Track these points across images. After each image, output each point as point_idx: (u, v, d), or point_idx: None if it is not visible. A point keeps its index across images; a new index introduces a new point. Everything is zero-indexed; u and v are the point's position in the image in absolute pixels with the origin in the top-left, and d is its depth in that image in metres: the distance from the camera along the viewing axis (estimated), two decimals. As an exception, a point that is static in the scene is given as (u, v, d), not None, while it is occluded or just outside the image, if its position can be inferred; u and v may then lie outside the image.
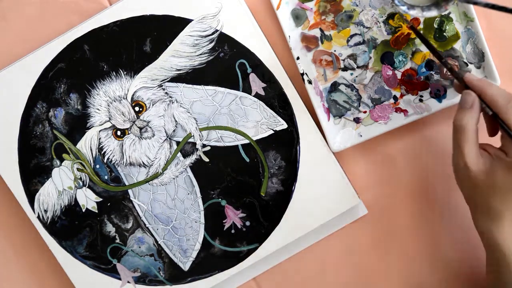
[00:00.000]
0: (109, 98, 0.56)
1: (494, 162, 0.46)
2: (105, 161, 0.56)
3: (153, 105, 0.56)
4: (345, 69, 0.56)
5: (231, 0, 0.55)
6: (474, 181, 0.46)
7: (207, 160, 0.56)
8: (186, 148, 0.56)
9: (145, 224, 0.57)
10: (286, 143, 0.56)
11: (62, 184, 0.56)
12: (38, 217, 0.56)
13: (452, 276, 0.57)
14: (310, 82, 0.55)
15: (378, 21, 0.55)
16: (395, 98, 0.55)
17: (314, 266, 0.58)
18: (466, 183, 0.48)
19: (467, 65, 0.55)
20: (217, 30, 0.55)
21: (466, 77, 0.48)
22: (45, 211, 0.57)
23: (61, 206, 0.57)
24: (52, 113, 0.56)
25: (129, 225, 0.57)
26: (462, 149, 0.46)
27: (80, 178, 0.57)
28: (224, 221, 0.57)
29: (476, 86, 0.48)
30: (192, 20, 0.55)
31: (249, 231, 0.56)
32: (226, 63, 0.55)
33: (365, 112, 0.56)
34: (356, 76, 0.56)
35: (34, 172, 0.56)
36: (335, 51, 0.55)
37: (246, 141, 0.56)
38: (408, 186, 0.57)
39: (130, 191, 0.57)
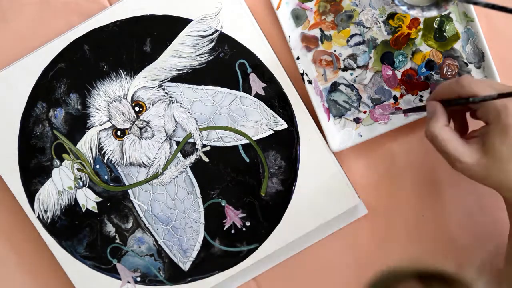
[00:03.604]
0: (109, 98, 0.56)
1: (485, 138, 0.46)
2: (105, 161, 0.56)
3: (153, 105, 0.56)
4: (345, 69, 0.56)
5: (231, 0, 0.55)
6: (481, 168, 0.46)
7: (207, 160, 0.56)
8: (186, 148, 0.56)
9: (145, 224, 0.57)
10: (286, 143, 0.56)
11: (62, 184, 0.56)
12: (38, 217, 0.56)
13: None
14: (310, 82, 0.55)
15: (378, 21, 0.55)
16: (395, 98, 0.55)
17: (314, 266, 0.58)
18: (477, 176, 0.47)
19: (467, 65, 0.55)
20: (217, 30, 0.55)
21: (428, 101, 0.50)
22: (45, 211, 0.57)
23: (61, 206, 0.57)
24: (52, 113, 0.56)
25: (129, 225, 0.57)
26: (448, 152, 0.46)
27: (80, 178, 0.57)
28: (224, 221, 0.57)
29: (438, 94, 0.49)
30: (192, 20, 0.55)
31: (249, 231, 0.56)
32: (226, 63, 0.55)
33: (365, 112, 0.56)
34: (356, 76, 0.56)
35: (34, 172, 0.56)
36: (335, 51, 0.55)
37: (246, 141, 0.56)
38: (408, 186, 0.57)
39: (130, 191, 0.57)
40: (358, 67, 0.55)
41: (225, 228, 0.57)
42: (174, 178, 0.57)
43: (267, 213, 0.56)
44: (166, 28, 0.55)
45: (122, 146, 0.56)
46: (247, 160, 0.56)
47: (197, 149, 0.56)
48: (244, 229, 0.57)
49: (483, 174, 0.46)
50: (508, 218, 0.49)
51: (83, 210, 0.57)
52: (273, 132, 0.56)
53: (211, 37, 0.55)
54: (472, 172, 0.46)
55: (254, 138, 0.56)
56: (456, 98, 0.47)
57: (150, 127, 0.56)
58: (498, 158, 0.45)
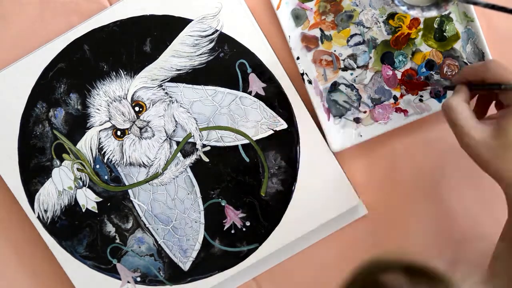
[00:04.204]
0: (109, 98, 0.56)
1: (501, 120, 0.45)
2: (105, 161, 0.56)
3: (153, 105, 0.56)
4: (345, 69, 0.56)
5: (231, 0, 0.55)
6: (488, 150, 0.44)
7: (207, 160, 0.56)
8: (186, 148, 0.56)
9: (145, 224, 0.57)
10: (286, 143, 0.56)
11: (62, 184, 0.56)
12: (38, 217, 0.56)
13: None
14: (310, 82, 0.55)
15: (378, 21, 0.55)
16: (395, 98, 0.55)
17: (314, 266, 0.58)
18: (481, 158, 0.45)
19: (467, 65, 0.55)
20: (217, 30, 0.55)
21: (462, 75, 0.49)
22: (45, 211, 0.57)
23: (61, 206, 0.57)
24: (52, 113, 0.56)
25: (129, 225, 0.57)
26: (460, 125, 0.45)
27: (80, 178, 0.57)
28: (224, 221, 0.57)
29: (463, 75, 0.49)
30: (192, 20, 0.55)
31: (249, 231, 0.56)
32: (226, 63, 0.55)
33: (365, 112, 0.56)
34: (356, 76, 0.56)
35: (34, 172, 0.56)
36: (335, 51, 0.55)
37: (246, 141, 0.56)
38: (408, 186, 0.57)
39: (130, 191, 0.57)
40: (358, 67, 0.55)
41: (225, 228, 0.57)
42: (174, 178, 0.56)
43: (267, 213, 0.56)
44: (166, 28, 0.55)
45: (122, 146, 0.56)
46: (247, 160, 0.56)
47: (197, 149, 0.56)
48: (244, 229, 0.57)
49: (487, 156, 0.45)
50: (508, 211, 0.48)
51: (83, 210, 0.57)
52: (273, 132, 0.56)
53: (211, 37, 0.55)
54: (477, 152, 0.45)
55: (254, 138, 0.56)
56: (481, 81, 0.47)
57: (150, 127, 0.56)
58: (508, 143, 0.44)
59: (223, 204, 0.56)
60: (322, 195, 0.56)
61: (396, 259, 0.38)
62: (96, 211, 0.57)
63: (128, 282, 0.57)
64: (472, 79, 0.48)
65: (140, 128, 0.56)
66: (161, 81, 0.56)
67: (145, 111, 0.56)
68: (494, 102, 0.51)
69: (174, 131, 0.56)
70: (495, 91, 0.47)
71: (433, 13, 0.49)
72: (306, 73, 0.55)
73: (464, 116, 0.45)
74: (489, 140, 0.44)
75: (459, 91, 0.48)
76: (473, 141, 0.45)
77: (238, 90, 0.56)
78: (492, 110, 0.51)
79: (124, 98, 0.56)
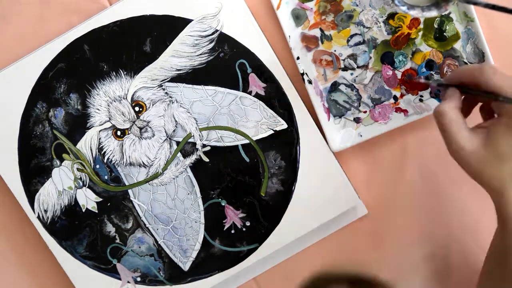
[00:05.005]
0: (109, 98, 0.56)
1: (491, 129, 0.44)
2: (105, 161, 0.56)
3: (153, 105, 0.56)
4: (345, 69, 0.56)
5: (231, 0, 0.55)
6: (478, 160, 0.44)
7: (207, 160, 0.56)
8: (186, 148, 0.56)
9: (145, 224, 0.57)
10: (286, 143, 0.56)
11: (62, 184, 0.56)
12: (38, 217, 0.56)
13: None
14: (310, 82, 0.55)
15: (378, 21, 0.55)
16: (395, 98, 0.55)
17: (314, 266, 0.58)
18: (471, 167, 0.45)
19: (467, 65, 0.55)
20: (217, 30, 0.55)
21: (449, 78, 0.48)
22: (45, 211, 0.57)
23: (61, 206, 0.57)
24: (52, 113, 0.56)
25: (129, 225, 0.57)
26: (451, 133, 0.45)
27: (80, 178, 0.57)
28: (224, 221, 0.57)
29: (456, 77, 0.47)
30: (192, 20, 0.55)
31: (249, 231, 0.56)
32: (226, 63, 0.55)
33: (365, 112, 0.56)
34: (356, 76, 0.56)
35: (34, 172, 0.56)
36: (335, 51, 0.55)
37: (246, 141, 0.56)
38: (408, 186, 0.57)
39: (130, 191, 0.57)
40: (358, 67, 0.55)
41: (225, 228, 0.57)
42: (174, 178, 0.56)
43: (267, 213, 0.56)
44: (166, 28, 0.55)
45: (122, 146, 0.56)
46: (247, 160, 0.56)
47: (197, 149, 0.56)
48: (244, 229, 0.57)
49: (477, 166, 0.44)
50: (497, 220, 0.47)
51: (83, 210, 0.57)
52: (273, 132, 0.56)
53: (211, 37, 0.55)
54: (467, 161, 0.45)
55: (254, 138, 0.56)
56: (473, 83, 0.45)
57: (150, 127, 0.56)
58: (498, 154, 0.43)
59: (223, 204, 0.56)
60: (322, 195, 0.56)
61: (341, 272, 0.39)
62: (96, 211, 0.57)
63: (128, 282, 0.57)
64: (465, 81, 0.47)
65: (140, 128, 0.56)
66: (161, 81, 0.56)
67: (145, 111, 0.56)
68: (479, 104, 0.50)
69: (174, 131, 0.56)
70: (490, 99, 0.46)
71: (433, 13, 0.49)
72: (306, 73, 0.55)
73: (456, 124, 0.45)
74: (480, 150, 0.44)
75: (452, 96, 0.46)
76: (463, 151, 0.44)
77: (238, 90, 0.56)
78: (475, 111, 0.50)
79: (124, 98, 0.56)
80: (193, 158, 0.56)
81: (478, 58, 0.54)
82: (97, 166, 0.56)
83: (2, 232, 0.59)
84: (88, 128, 0.56)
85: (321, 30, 0.55)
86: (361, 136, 0.55)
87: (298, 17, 0.55)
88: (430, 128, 0.57)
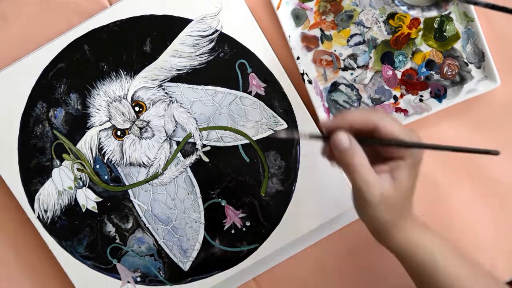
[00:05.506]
0: (109, 98, 0.56)
1: (397, 172, 0.42)
2: (105, 161, 0.56)
3: (153, 105, 0.56)
4: (345, 69, 0.56)
5: (231, 0, 0.55)
6: (389, 202, 0.41)
7: (207, 160, 0.56)
8: (186, 148, 0.56)
9: (145, 224, 0.57)
10: (286, 143, 0.56)
11: (62, 184, 0.56)
12: (38, 217, 0.56)
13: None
14: (310, 82, 0.55)
15: (378, 21, 0.55)
16: (395, 98, 0.55)
17: (314, 266, 0.58)
18: (382, 212, 0.42)
19: (467, 65, 0.55)
20: (217, 30, 0.55)
21: (322, 124, 0.44)
22: (45, 211, 0.57)
23: (61, 206, 0.57)
24: (52, 113, 0.56)
25: (129, 225, 0.57)
26: (359, 174, 0.41)
27: (80, 178, 0.57)
28: (224, 221, 0.57)
29: (337, 124, 0.43)
30: (192, 20, 0.55)
31: (249, 231, 0.56)
32: (226, 63, 0.55)
33: (365, 112, 0.56)
34: (356, 76, 0.55)
35: (34, 172, 0.56)
36: (335, 51, 0.55)
37: (246, 141, 0.56)
38: (408, 186, 0.57)
39: (130, 191, 0.57)
40: (358, 67, 0.55)
41: (225, 228, 0.57)
42: (174, 178, 0.56)
43: (267, 213, 0.56)
44: (166, 28, 0.55)
45: (122, 146, 0.56)
46: (247, 160, 0.56)
47: (197, 149, 0.56)
48: (244, 229, 0.57)
49: (387, 218, 0.42)
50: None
51: (83, 210, 0.57)
52: (273, 132, 0.56)
53: (211, 37, 0.55)
54: (378, 213, 0.42)
55: (254, 138, 0.56)
56: (366, 128, 0.42)
57: (150, 127, 0.56)
58: (408, 195, 0.42)
59: (223, 204, 0.56)
60: (322, 195, 0.56)
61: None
62: (96, 211, 0.57)
63: (128, 282, 0.57)
64: (357, 126, 0.42)
65: (140, 128, 0.56)
66: (161, 81, 0.56)
67: (145, 111, 0.56)
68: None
69: (174, 131, 0.56)
70: (385, 147, 0.43)
71: (433, 13, 0.49)
72: (306, 73, 0.55)
73: (363, 164, 0.41)
74: (391, 194, 0.41)
75: (352, 143, 0.41)
76: (383, 199, 0.41)
77: (238, 90, 0.56)
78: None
79: (124, 98, 0.56)
80: (193, 158, 0.56)
81: (478, 58, 0.54)
82: (97, 166, 0.56)
83: (2, 232, 0.59)
84: (88, 128, 0.56)
85: (321, 30, 0.55)
86: (361, 136, 0.55)
87: (298, 17, 0.55)
88: (430, 128, 0.57)
